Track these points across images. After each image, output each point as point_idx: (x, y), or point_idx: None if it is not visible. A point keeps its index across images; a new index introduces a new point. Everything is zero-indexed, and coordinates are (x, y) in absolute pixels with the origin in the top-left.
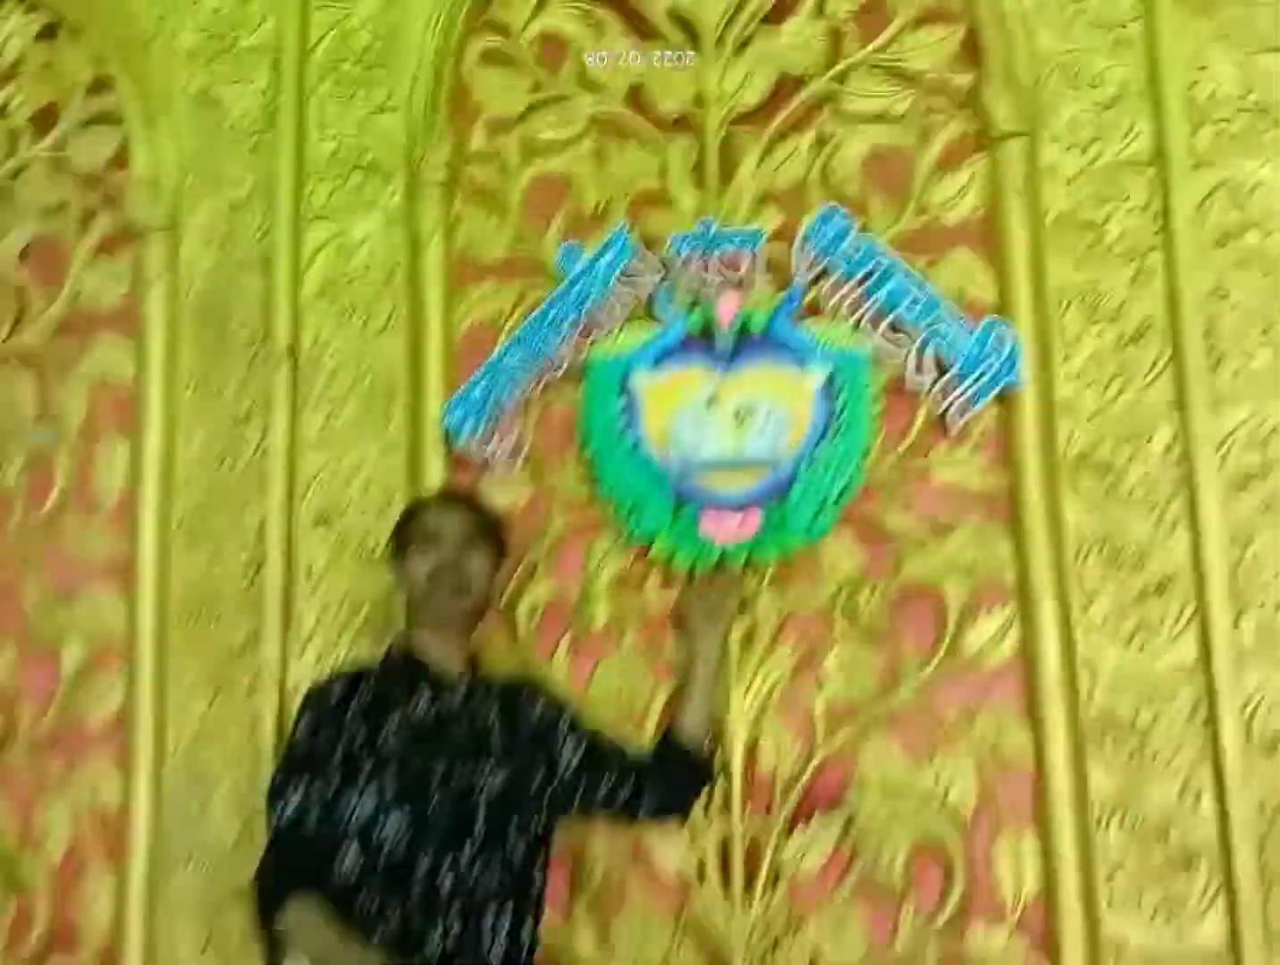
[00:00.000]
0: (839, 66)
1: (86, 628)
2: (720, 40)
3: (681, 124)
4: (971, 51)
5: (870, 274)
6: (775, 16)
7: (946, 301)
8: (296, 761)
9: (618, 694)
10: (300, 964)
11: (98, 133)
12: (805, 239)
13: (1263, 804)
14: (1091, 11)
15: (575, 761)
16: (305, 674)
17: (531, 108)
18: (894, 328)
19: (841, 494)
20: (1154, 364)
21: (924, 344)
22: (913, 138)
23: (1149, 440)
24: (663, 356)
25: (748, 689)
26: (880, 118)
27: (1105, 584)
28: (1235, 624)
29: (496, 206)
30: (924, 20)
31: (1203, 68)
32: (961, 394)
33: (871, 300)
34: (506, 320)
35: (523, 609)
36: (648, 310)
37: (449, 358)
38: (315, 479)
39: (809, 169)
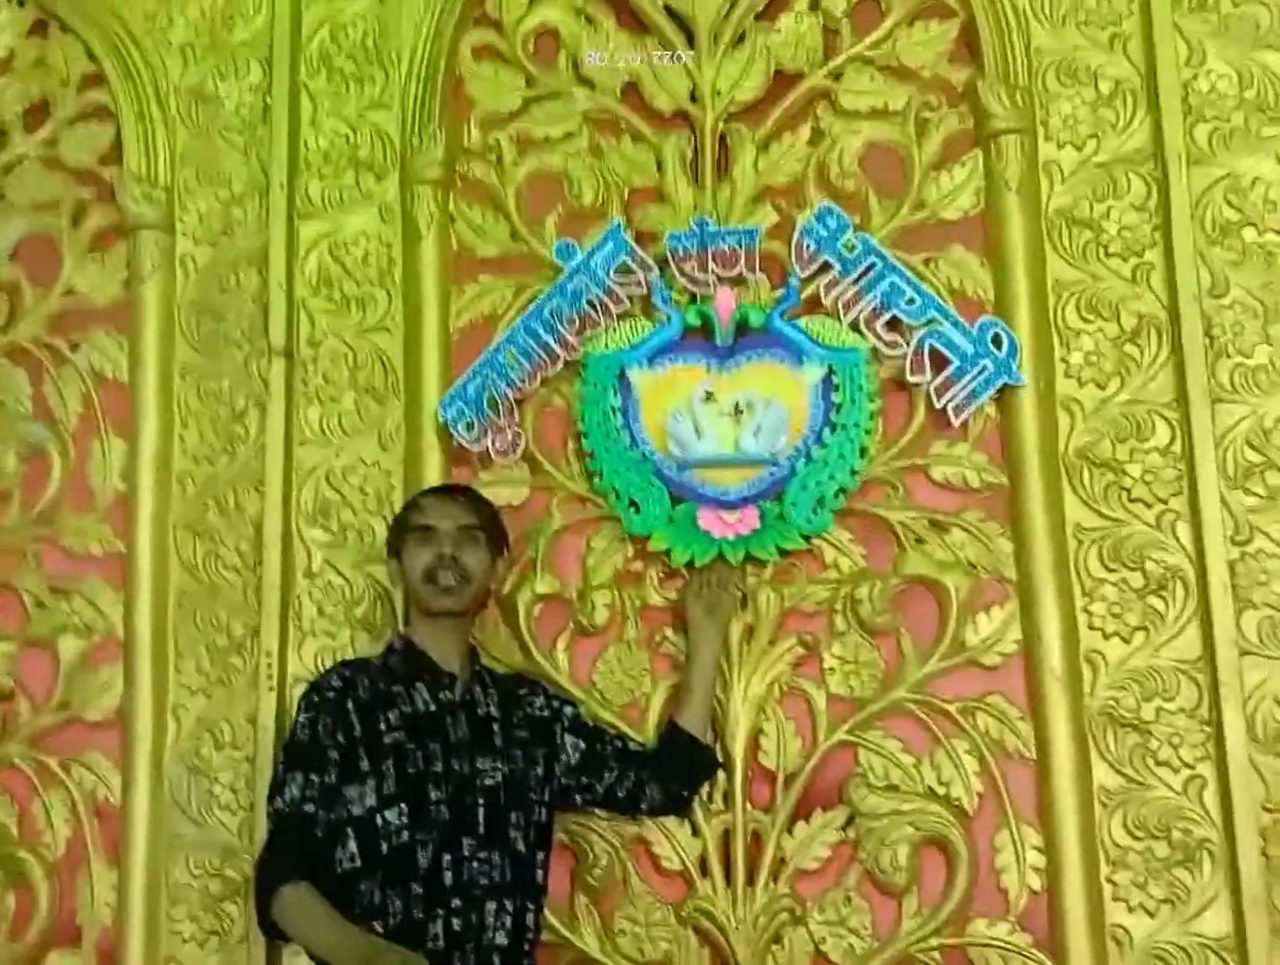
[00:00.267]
0: (834, 62)
1: (84, 622)
2: (715, 36)
3: (677, 120)
4: (967, 47)
5: (867, 271)
6: (770, 12)
7: (943, 299)
8: (296, 755)
9: (618, 688)
10: (300, 956)
11: (90, 128)
12: (802, 236)
13: (1266, 798)
14: (1088, 8)
15: (576, 757)
16: (304, 668)
17: (526, 103)
18: (891, 325)
19: (840, 491)
20: (1153, 361)
21: (922, 341)
22: (909, 134)
23: (1149, 437)
24: (659, 352)
25: (749, 683)
26: (876, 114)
27: (1107, 580)
28: (1237, 619)
29: (492, 202)
30: (919, 16)
31: (1200, 64)
32: (960, 391)
33: (868, 297)
34: (503, 316)
35: (522, 603)
36: (644, 306)
37: (445, 353)
38: (312, 474)
39: (805, 165)
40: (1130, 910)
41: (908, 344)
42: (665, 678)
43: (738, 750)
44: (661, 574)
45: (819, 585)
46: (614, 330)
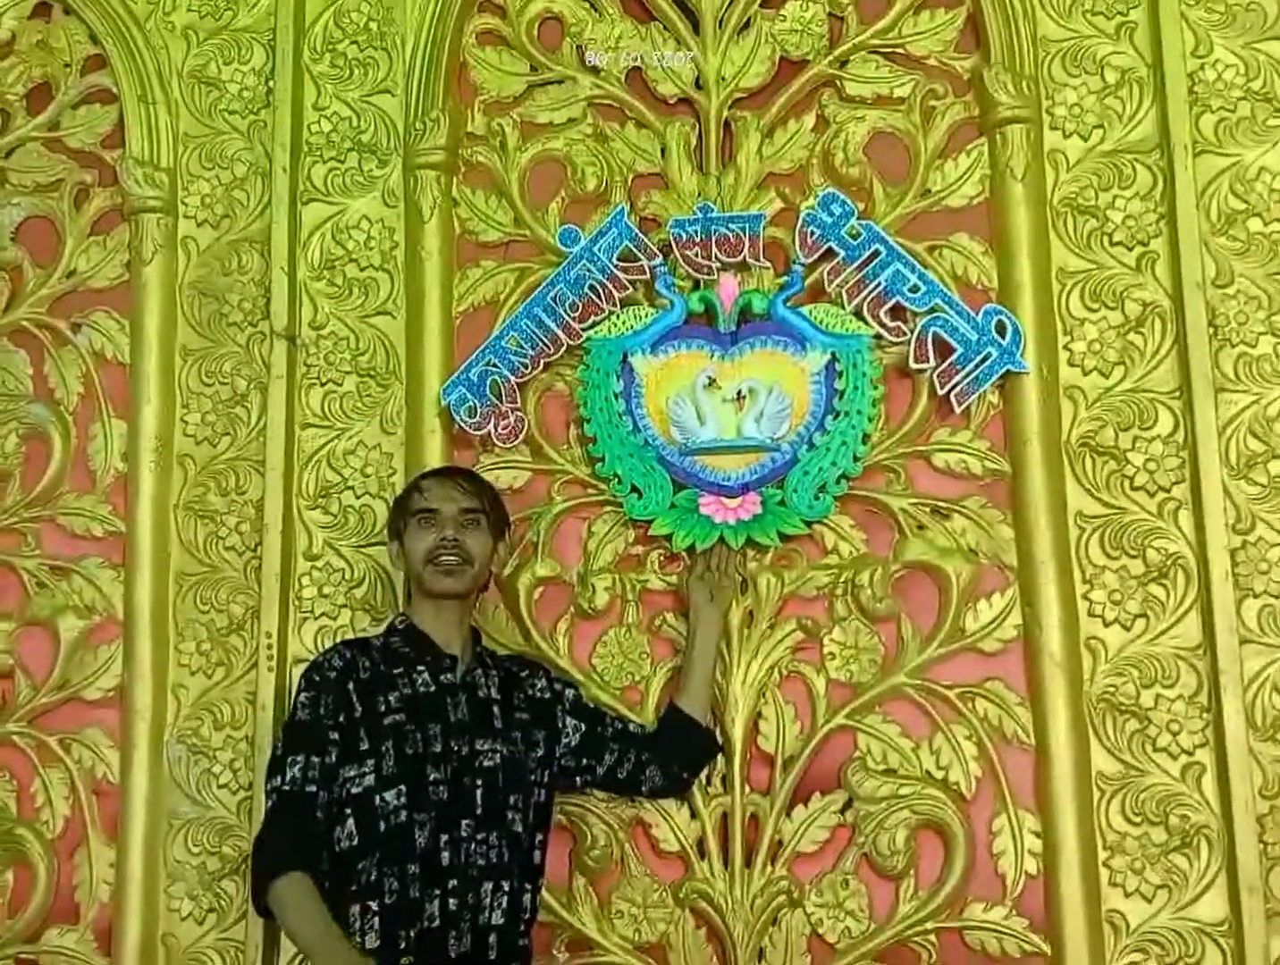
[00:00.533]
0: (840, 50)
1: (84, 602)
2: (721, 22)
3: (681, 106)
4: (973, 36)
5: (871, 258)
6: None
7: (947, 287)
8: (296, 735)
9: (618, 671)
10: None
11: (92, 111)
12: (806, 223)
13: (1264, 785)
14: None
15: (577, 739)
16: (303, 649)
17: (530, 89)
18: (895, 312)
19: (842, 477)
20: (1156, 349)
21: (925, 328)
22: (915, 122)
23: (1151, 425)
24: (662, 338)
25: (749, 667)
26: (882, 101)
27: (1108, 567)
28: (1237, 607)
29: (495, 187)
30: (926, 4)
31: (1206, 54)
32: (963, 378)
33: (872, 285)
34: (505, 301)
35: (523, 586)
36: (647, 292)
37: (447, 337)
38: (314, 457)
39: (810, 152)
40: (1127, 895)
41: (911, 331)
42: (665, 661)
43: (737, 734)
44: (662, 558)
45: (820, 570)
46: (617, 316)
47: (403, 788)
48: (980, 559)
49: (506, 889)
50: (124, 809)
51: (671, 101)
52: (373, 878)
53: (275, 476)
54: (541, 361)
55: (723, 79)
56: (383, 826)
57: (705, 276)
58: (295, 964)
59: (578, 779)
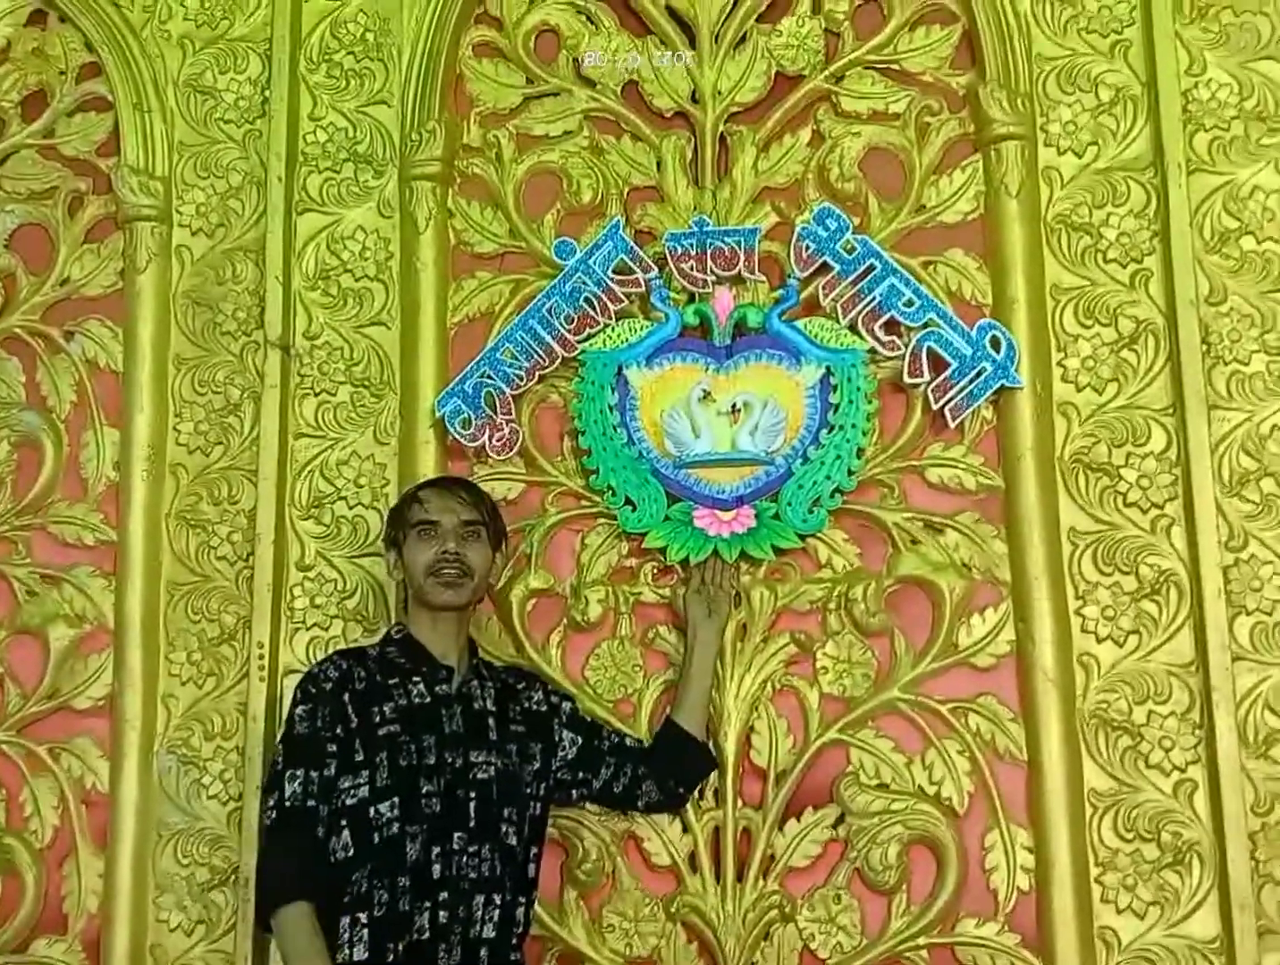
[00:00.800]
0: (836, 65)
1: (75, 610)
2: (717, 37)
3: (677, 120)
4: (969, 53)
5: (866, 272)
6: (772, 14)
7: (941, 302)
8: (294, 749)
9: (610, 683)
10: None
11: (87, 119)
12: (801, 237)
13: (1255, 802)
14: (1089, 15)
15: (574, 752)
16: (295, 659)
17: (526, 101)
18: (890, 326)
19: (836, 491)
20: (1150, 366)
21: (920, 343)
22: (910, 138)
23: (1145, 442)
24: (657, 351)
25: (742, 681)
26: (877, 117)
27: (1100, 583)
28: (1230, 624)
29: (490, 199)
30: (921, 21)
31: (1200, 73)
32: (957, 393)
33: (867, 299)
34: (500, 312)
35: (516, 598)
36: (643, 305)
37: (442, 348)
38: (306, 467)
39: (805, 167)
40: (1119, 912)
41: (905, 346)
42: (658, 674)
43: (729, 747)
44: (655, 571)
45: (813, 584)
46: (612, 329)
47: (396, 799)
48: (973, 574)
49: (498, 902)
50: (113, 819)
51: (667, 115)
52: (363, 889)
53: (268, 486)
54: (536, 374)
55: (719, 93)
56: (376, 838)
57: (700, 290)
58: None
59: (573, 792)
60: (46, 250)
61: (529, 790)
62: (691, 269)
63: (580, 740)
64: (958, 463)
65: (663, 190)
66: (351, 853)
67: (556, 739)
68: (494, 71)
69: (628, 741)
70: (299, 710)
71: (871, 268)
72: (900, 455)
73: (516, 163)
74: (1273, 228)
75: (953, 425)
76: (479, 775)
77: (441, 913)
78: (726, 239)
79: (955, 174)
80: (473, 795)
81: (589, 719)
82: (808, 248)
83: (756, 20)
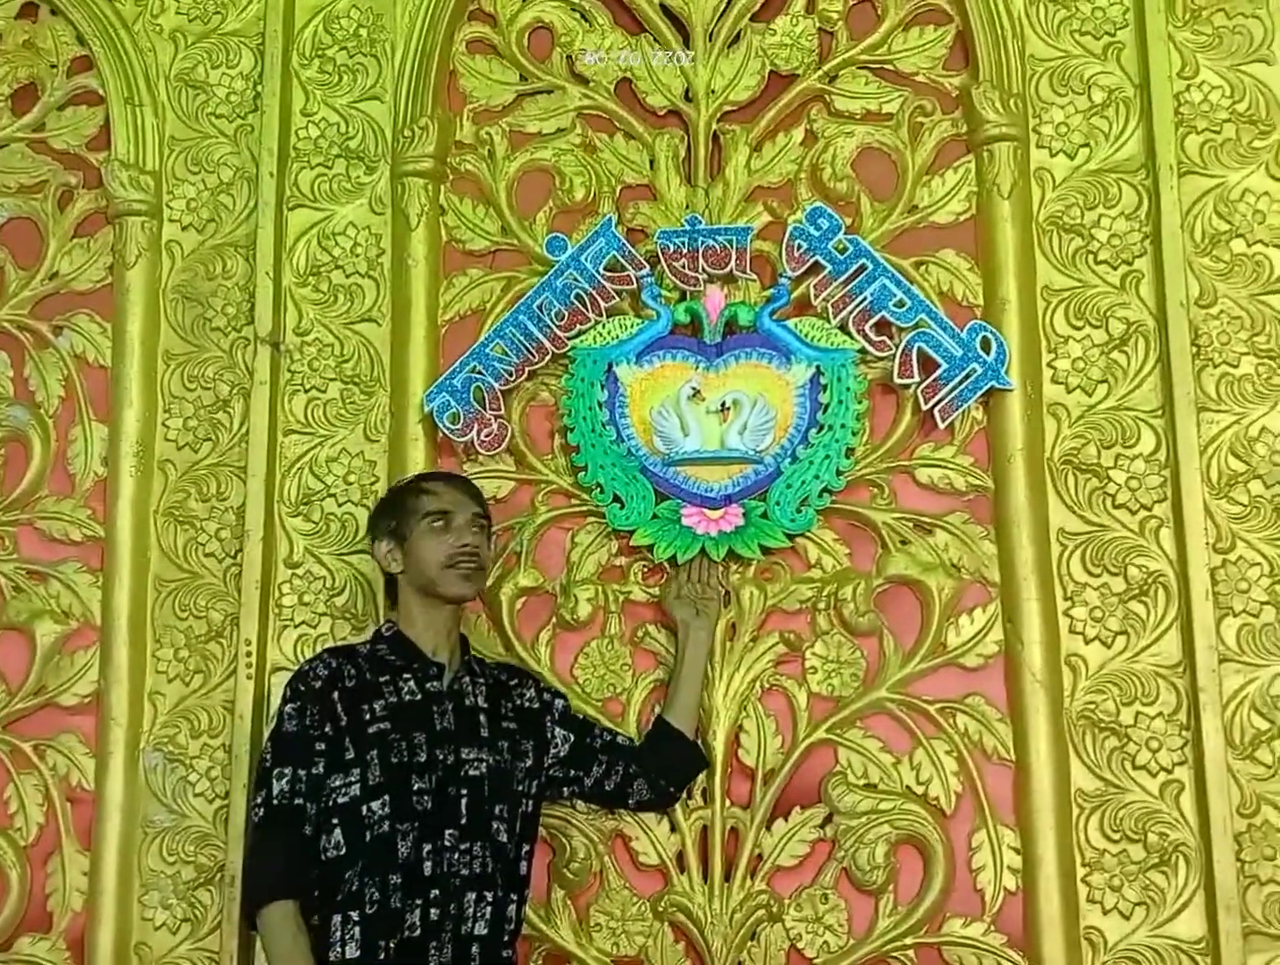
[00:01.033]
0: (829, 65)
1: (61, 607)
2: (711, 35)
3: (670, 118)
4: (962, 54)
5: (858, 273)
6: (766, 13)
7: (933, 303)
8: (282, 747)
9: (599, 682)
10: None
11: (78, 112)
12: (793, 236)
13: (1241, 803)
14: (1082, 17)
15: (566, 749)
16: (283, 657)
17: (519, 98)
18: (880, 327)
19: (824, 490)
20: (1140, 368)
21: (910, 343)
22: (903, 138)
23: (1134, 443)
24: (648, 349)
25: (731, 680)
26: (870, 117)
27: (1089, 584)
28: (1217, 626)
29: (483, 196)
30: (915, 21)
31: (1192, 76)
32: (947, 394)
33: (858, 299)
34: (491, 309)
35: (505, 596)
36: (633, 303)
37: (432, 345)
38: (296, 464)
39: (798, 167)
40: (1105, 912)
41: (896, 346)
42: (646, 673)
43: (718, 747)
44: (644, 570)
45: (803, 584)
46: (603, 326)
47: (387, 797)
48: (962, 575)
49: (490, 899)
50: (99, 817)
51: (661, 113)
52: (354, 887)
53: (257, 483)
54: (526, 370)
55: (712, 92)
56: (368, 836)
57: (692, 288)
58: None
59: (565, 789)
60: (36, 244)
61: (520, 787)
62: (683, 267)
63: (572, 738)
64: (947, 463)
65: (655, 188)
66: (343, 851)
67: (549, 736)
68: (487, 68)
69: (619, 739)
70: (288, 708)
71: (863, 268)
72: (890, 455)
73: (509, 160)
74: (1263, 231)
75: (942, 426)
76: (470, 772)
77: (433, 910)
78: (718, 237)
79: (948, 174)
80: (464, 792)
81: (581, 717)
82: (799, 247)
83: (750, 19)
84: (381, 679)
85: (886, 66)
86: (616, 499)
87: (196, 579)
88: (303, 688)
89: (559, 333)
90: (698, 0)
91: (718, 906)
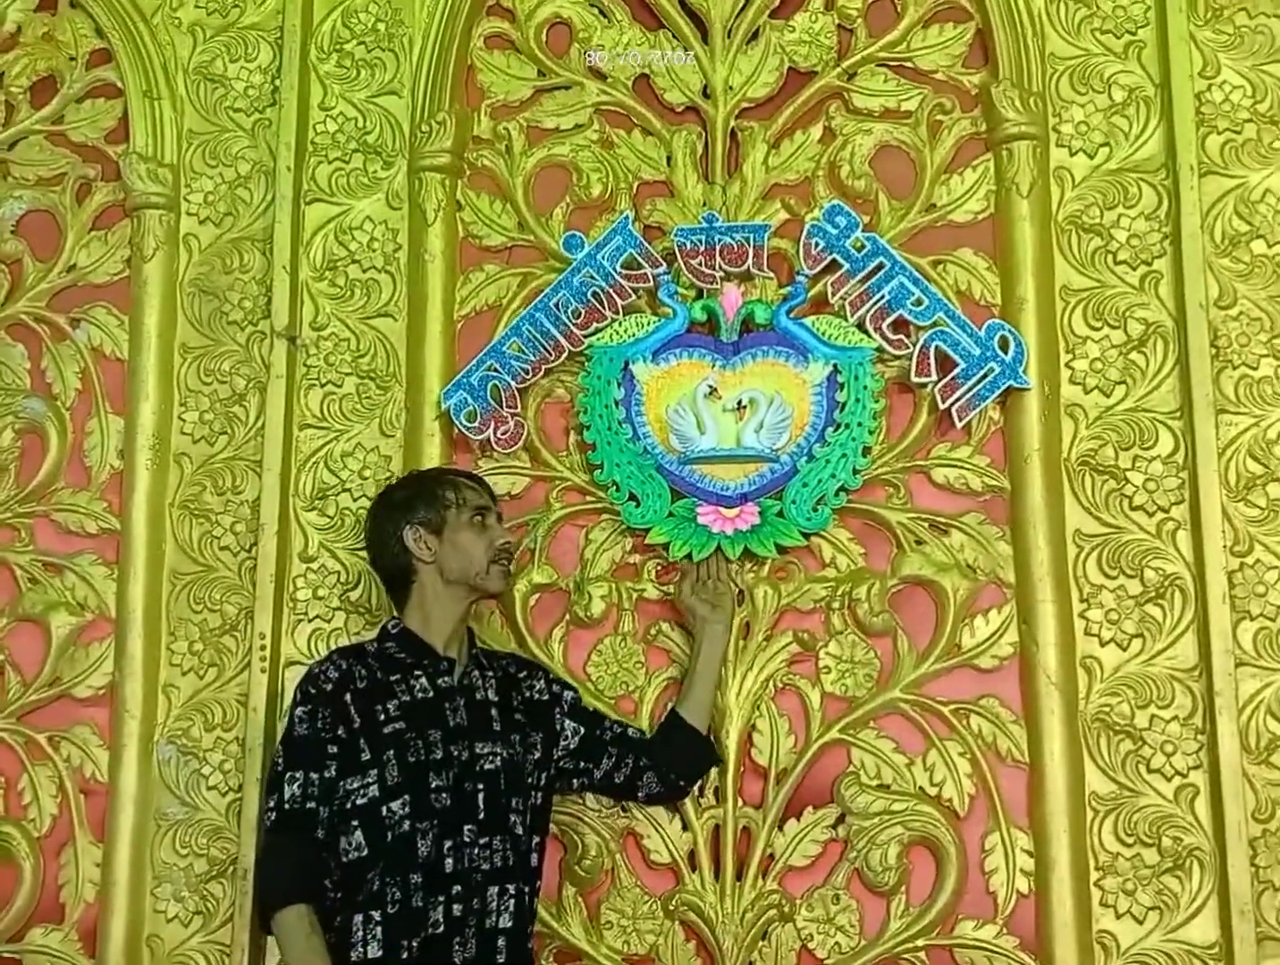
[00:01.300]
0: (848, 62)
1: (77, 599)
2: (729, 31)
3: (688, 115)
4: (982, 52)
5: (876, 271)
6: (785, 10)
7: (950, 301)
8: (296, 752)
9: (612, 680)
10: None
11: (96, 105)
12: (811, 234)
13: (1256, 808)
14: (1103, 15)
15: (576, 741)
16: (297, 651)
17: (536, 93)
18: (898, 325)
19: (841, 489)
20: (1158, 369)
21: (928, 342)
22: (922, 136)
23: (1152, 445)
24: (664, 347)
25: (744, 679)
26: (889, 115)
27: (1105, 586)
28: (1234, 630)
29: (500, 191)
30: (934, 19)
31: (1214, 75)
32: (965, 393)
33: (876, 297)
34: (507, 305)
35: (519, 593)
36: (650, 300)
37: (448, 340)
38: (311, 459)
39: (816, 164)
40: (1118, 916)
41: (913, 345)
42: (660, 671)
43: (731, 746)
44: (659, 568)
45: (817, 583)
46: (619, 323)
47: (407, 797)
48: (978, 575)
49: (512, 892)
50: (112, 808)
51: (679, 110)
52: (375, 888)
53: (272, 477)
54: (543, 367)
55: (730, 88)
56: (389, 837)
57: (708, 286)
58: None
59: (574, 782)
60: (54, 237)
61: (530, 780)
62: (700, 265)
63: (582, 730)
64: (964, 463)
65: (672, 185)
66: (365, 852)
67: (558, 728)
68: (505, 63)
69: (630, 732)
70: (298, 712)
71: (881, 266)
72: (906, 455)
73: (526, 155)
74: None
75: (959, 425)
76: (486, 766)
77: (456, 906)
78: (735, 235)
79: (966, 173)
80: (480, 787)
81: (591, 709)
82: (817, 245)
83: (769, 15)
84: (393, 677)
85: (906, 64)
86: (632, 497)
87: (211, 572)
88: (313, 690)
89: (576, 331)
90: None
91: (729, 906)
